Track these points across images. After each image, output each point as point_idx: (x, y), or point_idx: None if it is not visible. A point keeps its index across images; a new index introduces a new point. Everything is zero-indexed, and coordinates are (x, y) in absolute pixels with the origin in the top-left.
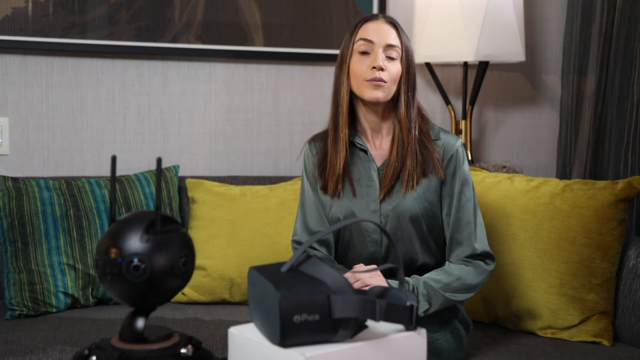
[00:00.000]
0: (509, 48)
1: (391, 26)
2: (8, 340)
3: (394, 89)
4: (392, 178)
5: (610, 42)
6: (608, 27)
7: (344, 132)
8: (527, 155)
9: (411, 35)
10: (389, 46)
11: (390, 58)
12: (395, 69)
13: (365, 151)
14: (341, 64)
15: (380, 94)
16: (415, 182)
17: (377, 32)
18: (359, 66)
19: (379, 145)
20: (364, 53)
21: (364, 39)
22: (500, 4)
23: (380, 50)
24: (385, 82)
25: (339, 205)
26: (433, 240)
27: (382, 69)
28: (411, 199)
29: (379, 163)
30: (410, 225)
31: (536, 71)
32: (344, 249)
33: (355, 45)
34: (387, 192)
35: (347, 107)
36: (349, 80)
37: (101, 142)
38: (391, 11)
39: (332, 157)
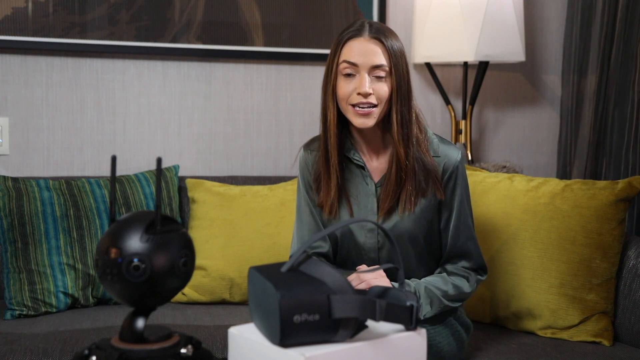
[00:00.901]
0: (509, 48)
1: (376, 42)
2: (8, 340)
3: (384, 108)
4: (392, 200)
5: (612, 42)
6: (608, 27)
7: (334, 157)
8: (527, 155)
9: (411, 35)
10: (375, 67)
11: (378, 77)
12: (383, 89)
13: (363, 167)
14: (326, 84)
15: (370, 122)
16: (413, 205)
17: (361, 53)
18: (344, 89)
19: (376, 159)
20: (348, 75)
21: (348, 62)
22: (500, 4)
23: (366, 74)
24: (374, 105)
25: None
26: (431, 257)
27: (368, 94)
28: (409, 220)
29: (376, 178)
30: (409, 245)
31: (536, 71)
32: (342, 262)
33: (340, 68)
34: (386, 213)
35: (336, 132)
36: (335, 102)
37: (101, 142)
38: (391, 11)
39: (325, 181)
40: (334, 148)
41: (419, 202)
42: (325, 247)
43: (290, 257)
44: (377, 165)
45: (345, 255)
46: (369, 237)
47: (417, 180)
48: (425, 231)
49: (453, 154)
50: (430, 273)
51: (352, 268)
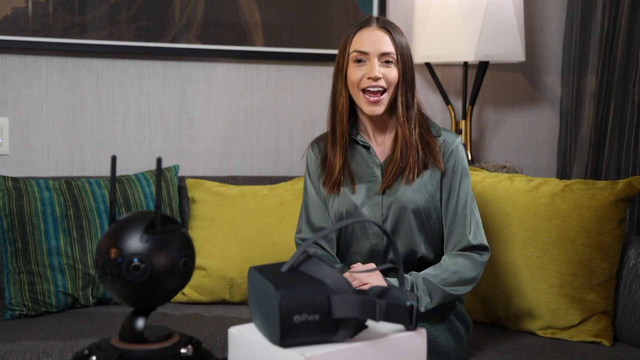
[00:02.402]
0: (509, 48)
1: (384, 31)
2: (8, 340)
3: (392, 95)
4: (395, 175)
5: (612, 42)
6: (608, 27)
7: (343, 138)
8: (527, 155)
9: (411, 35)
10: (384, 54)
11: (386, 62)
12: (392, 73)
13: (368, 147)
14: (338, 72)
15: (379, 109)
16: (415, 175)
17: (371, 41)
18: (355, 75)
19: (381, 141)
20: (359, 61)
21: (358, 51)
22: (500, 4)
23: (376, 60)
24: (384, 90)
25: (340, 200)
26: (434, 233)
27: (378, 79)
28: (412, 191)
29: (381, 158)
30: (412, 217)
31: (536, 71)
32: (346, 242)
33: (351, 57)
34: (388, 185)
35: (347, 116)
36: (347, 88)
37: (101, 142)
38: (391, 11)
39: (331, 158)
40: (346, 130)
41: (422, 174)
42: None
43: (303, 242)
44: (382, 147)
45: (350, 231)
46: (373, 211)
47: (419, 155)
48: (428, 204)
49: (453, 136)
50: (434, 251)
51: (357, 243)
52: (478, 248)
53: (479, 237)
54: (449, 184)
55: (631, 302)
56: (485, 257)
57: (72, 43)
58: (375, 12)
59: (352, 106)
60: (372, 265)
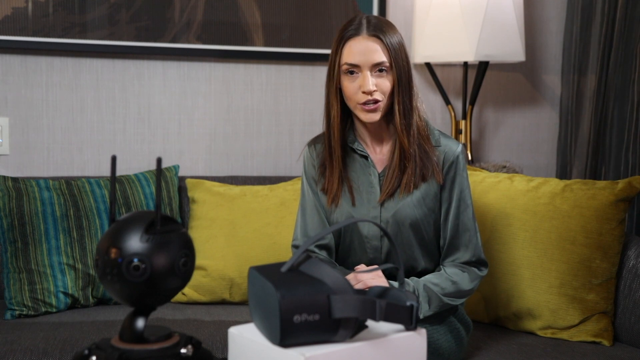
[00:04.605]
0: (509, 48)
1: (375, 40)
2: (8, 340)
3: (388, 102)
4: (393, 185)
5: (611, 42)
6: (608, 27)
7: (337, 152)
8: (527, 155)
9: (411, 35)
10: (376, 64)
11: (380, 71)
12: (385, 83)
13: (366, 157)
14: (329, 82)
15: (376, 116)
16: (413, 186)
17: (362, 52)
18: (349, 88)
19: (379, 150)
20: (351, 73)
21: (349, 64)
22: (500, 4)
23: (368, 72)
24: (379, 101)
25: (339, 212)
26: (433, 245)
27: (372, 92)
28: (411, 205)
29: (379, 168)
30: (410, 231)
31: (536, 71)
32: (343, 254)
33: (342, 68)
34: (387, 197)
35: (339, 129)
36: (339, 100)
37: (101, 142)
38: (391, 11)
39: (329, 172)
40: (338, 143)
41: (420, 187)
42: (327, 238)
43: (299, 247)
44: (379, 156)
45: (348, 243)
46: (372, 224)
47: (417, 165)
48: (427, 218)
49: (453, 145)
50: (434, 263)
51: (354, 256)
52: (478, 263)
53: (478, 252)
54: (448, 196)
55: (631, 302)
56: (484, 272)
57: (72, 43)
58: (375, 13)
59: (349, 113)
60: (375, 266)
